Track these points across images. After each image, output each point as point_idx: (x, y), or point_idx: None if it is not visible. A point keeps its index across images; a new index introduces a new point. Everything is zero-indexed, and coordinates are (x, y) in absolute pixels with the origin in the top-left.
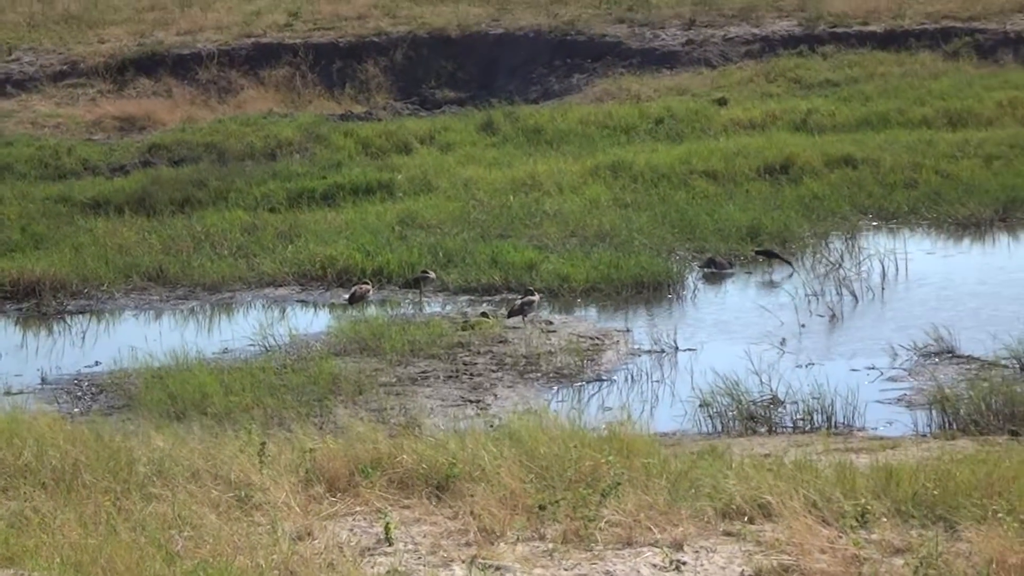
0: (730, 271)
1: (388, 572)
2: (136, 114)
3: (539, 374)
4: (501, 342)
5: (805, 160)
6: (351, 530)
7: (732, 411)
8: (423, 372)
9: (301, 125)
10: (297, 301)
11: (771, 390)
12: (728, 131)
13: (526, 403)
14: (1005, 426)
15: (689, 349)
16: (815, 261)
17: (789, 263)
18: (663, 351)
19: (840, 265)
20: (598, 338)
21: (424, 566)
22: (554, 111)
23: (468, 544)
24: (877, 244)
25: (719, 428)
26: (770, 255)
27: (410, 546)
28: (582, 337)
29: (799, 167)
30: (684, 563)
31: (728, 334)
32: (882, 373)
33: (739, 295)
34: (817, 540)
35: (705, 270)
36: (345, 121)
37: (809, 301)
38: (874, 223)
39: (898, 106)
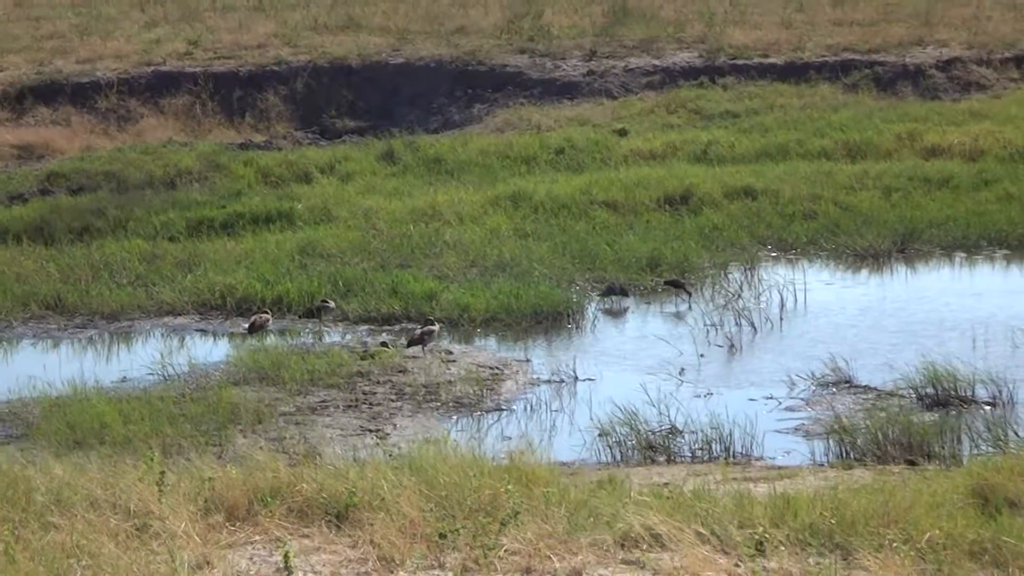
0: (627, 297)
1: None
2: (34, 142)
3: (439, 403)
4: (401, 372)
5: (705, 191)
6: (250, 559)
7: (631, 441)
8: (323, 401)
9: (201, 154)
10: (196, 330)
11: (670, 420)
12: (628, 162)
13: (426, 432)
14: (902, 456)
15: (588, 379)
16: (714, 292)
17: (690, 294)
18: (562, 381)
19: (739, 295)
20: (498, 368)
21: None
22: (455, 141)
23: (367, 573)
24: (776, 275)
25: (618, 458)
26: (677, 285)
27: (309, 575)
28: (482, 367)
29: (699, 198)
30: None
31: (627, 364)
32: (780, 403)
33: (638, 325)
34: (715, 569)
35: (605, 298)
36: (245, 150)
37: (708, 331)
38: (773, 254)
39: (797, 137)
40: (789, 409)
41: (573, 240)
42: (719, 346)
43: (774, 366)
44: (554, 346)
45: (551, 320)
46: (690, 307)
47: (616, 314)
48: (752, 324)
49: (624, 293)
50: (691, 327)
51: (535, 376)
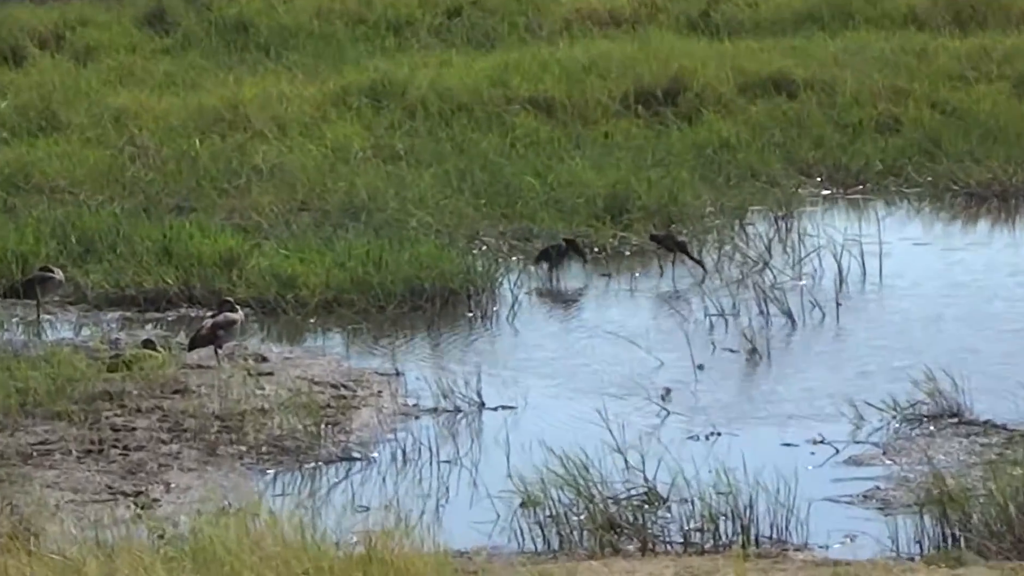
0: (580, 262)
1: None
2: None
3: (244, 448)
4: (178, 392)
5: (706, 82)
6: None
7: (579, 515)
8: (43, 443)
9: None
10: None
11: (646, 479)
12: (573, 30)
13: (222, 498)
14: None
15: (504, 407)
16: (723, 257)
17: (699, 262)
18: (458, 410)
19: (766, 264)
20: (346, 386)
21: None
22: None
23: None
24: (830, 229)
25: (556, 544)
26: (671, 245)
27: None
28: (319, 385)
29: (696, 94)
30: None
31: (571, 382)
32: (838, 451)
33: (592, 315)
34: None
35: (540, 267)
36: None
37: (712, 325)
38: (825, 192)
39: None
40: (853, 461)
41: (477, 166)
42: (731, 351)
43: (826, 386)
44: (444, 350)
45: (439, 304)
46: (704, 280)
47: (554, 295)
48: (788, 313)
49: (580, 253)
50: (683, 318)
51: (411, 401)
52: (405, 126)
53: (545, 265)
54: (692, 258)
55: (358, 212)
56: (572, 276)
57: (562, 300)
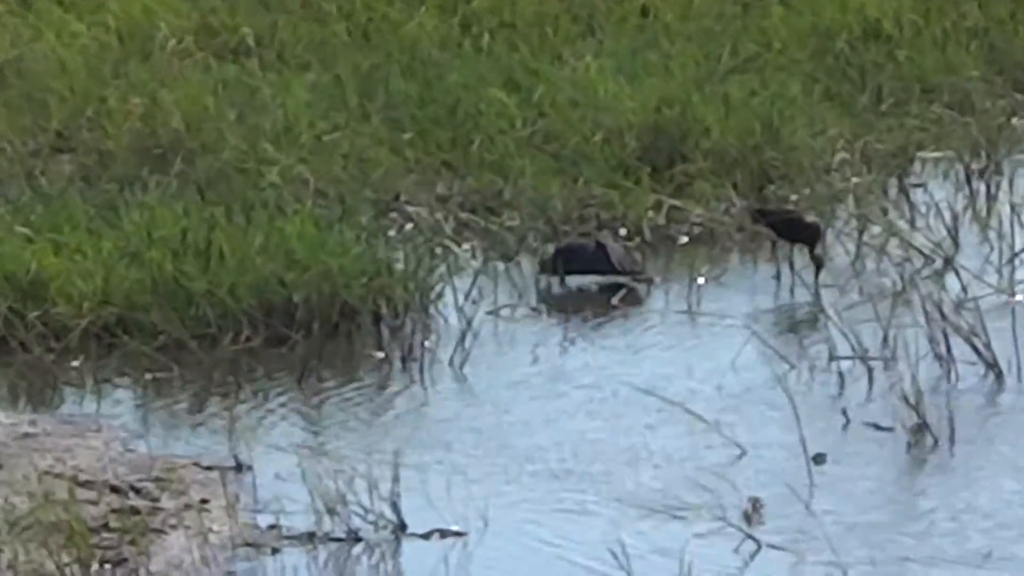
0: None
1: None
2: None
3: None
4: None
5: None
6: None
7: None
8: None
9: None
10: None
11: None
12: None
13: None
14: None
15: (444, 532)
16: (865, 248)
17: (817, 260)
18: (356, 538)
19: (947, 263)
20: (139, 490)
21: None
22: None
23: None
24: None
25: None
26: (805, 235)
27: None
28: (86, 487)
29: None
30: None
31: (571, 485)
32: None
33: (614, 359)
34: None
35: (553, 277)
36: None
37: (842, 379)
38: None
39: None
40: None
41: (398, 70)
42: (877, 428)
43: None
44: (331, 421)
45: (321, 334)
46: (817, 291)
47: (544, 318)
48: (987, 356)
49: (618, 270)
50: (787, 365)
51: (263, 521)
52: None
53: (555, 276)
54: (814, 256)
55: (167, 156)
56: (578, 280)
57: (558, 328)
